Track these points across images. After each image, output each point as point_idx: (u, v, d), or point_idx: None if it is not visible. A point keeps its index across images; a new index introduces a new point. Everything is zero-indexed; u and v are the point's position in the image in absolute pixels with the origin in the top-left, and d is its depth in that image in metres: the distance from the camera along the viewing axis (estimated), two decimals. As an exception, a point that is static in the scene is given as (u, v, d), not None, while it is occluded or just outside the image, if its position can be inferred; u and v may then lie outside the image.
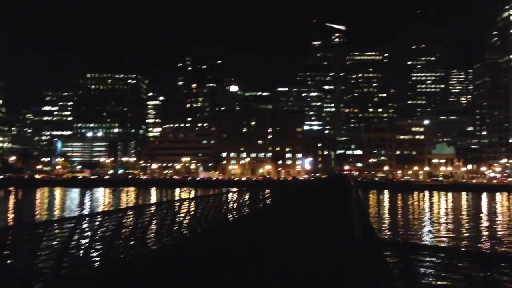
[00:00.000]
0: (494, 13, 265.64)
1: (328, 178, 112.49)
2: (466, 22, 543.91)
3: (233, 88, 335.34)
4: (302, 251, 11.09)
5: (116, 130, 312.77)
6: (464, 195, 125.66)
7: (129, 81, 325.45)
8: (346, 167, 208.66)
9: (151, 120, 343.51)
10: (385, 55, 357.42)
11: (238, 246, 13.49)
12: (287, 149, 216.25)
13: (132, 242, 13.56)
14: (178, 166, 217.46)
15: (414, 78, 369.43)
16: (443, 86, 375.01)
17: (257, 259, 10.72)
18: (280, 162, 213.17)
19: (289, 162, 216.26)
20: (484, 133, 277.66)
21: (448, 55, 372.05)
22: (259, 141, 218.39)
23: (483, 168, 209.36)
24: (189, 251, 13.65)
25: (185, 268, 10.92)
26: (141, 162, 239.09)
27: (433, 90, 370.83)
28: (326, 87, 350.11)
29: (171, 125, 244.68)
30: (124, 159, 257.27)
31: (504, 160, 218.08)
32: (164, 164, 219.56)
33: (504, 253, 37.63)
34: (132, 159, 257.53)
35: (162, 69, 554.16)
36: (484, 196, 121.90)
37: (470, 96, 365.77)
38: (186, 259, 12.19)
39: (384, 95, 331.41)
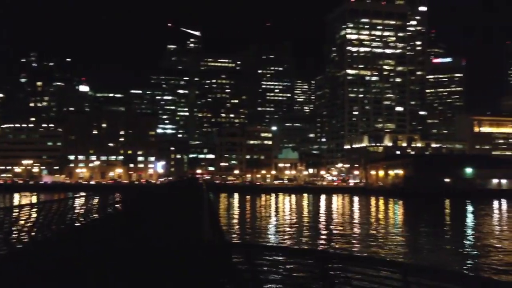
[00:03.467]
0: (333, 31, 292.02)
1: (181, 181, 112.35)
2: (311, 36, 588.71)
3: (83, 88, 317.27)
4: (149, 256, 11.09)
5: None
6: (305, 197, 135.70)
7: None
8: (199, 171, 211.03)
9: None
10: (238, 63, 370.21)
11: (82, 254, 12.94)
12: (139, 152, 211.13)
13: None
14: (18, 170, 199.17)
15: (263, 86, 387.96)
16: (289, 95, 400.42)
17: (98, 269, 10.39)
18: (132, 165, 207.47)
19: (141, 165, 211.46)
20: (323, 139, 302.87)
21: (295, 66, 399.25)
22: (110, 144, 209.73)
23: (323, 172, 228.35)
24: (26, 261, 12.73)
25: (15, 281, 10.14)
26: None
27: (280, 98, 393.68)
28: (181, 91, 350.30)
29: (12, 125, 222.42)
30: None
31: (339, 165, 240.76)
32: (2, 167, 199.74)
33: (339, 250, 41.64)
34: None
35: (3, 63, 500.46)
36: (323, 197, 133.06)
37: (312, 105, 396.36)
38: (20, 270, 11.36)
39: (236, 101, 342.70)
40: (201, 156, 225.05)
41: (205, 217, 16.47)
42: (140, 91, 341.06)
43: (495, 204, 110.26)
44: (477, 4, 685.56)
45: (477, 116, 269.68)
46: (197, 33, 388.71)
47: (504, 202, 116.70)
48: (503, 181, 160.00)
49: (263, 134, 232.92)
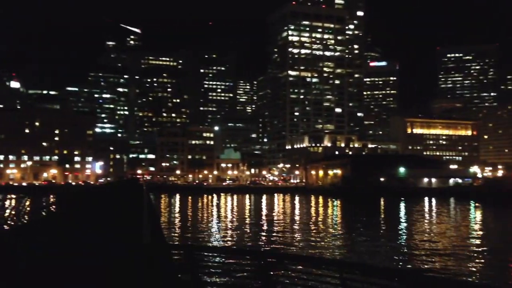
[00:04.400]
0: (275, 32, 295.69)
1: (120, 182, 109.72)
2: (254, 37, 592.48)
3: (14, 84, 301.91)
4: (86, 260, 10.82)
5: None
6: (247, 197, 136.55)
7: None
8: (139, 171, 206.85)
9: None
10: (180, 61, 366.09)
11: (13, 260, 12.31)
12: (76, 152, 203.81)
13: None
14: None
15: (206, 86, 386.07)
16: (231, 95, 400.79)
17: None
18: (67, 166, 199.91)
19: (78, 166, 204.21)
20: (265, 140, 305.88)
21: (237, 66, 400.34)
22: (44, 143, 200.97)
23: (264, 172, 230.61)
24: None
25: None
26: None
27: (222, 98, 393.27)
28: (120, 89, 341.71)
29: None
30: None
31: (281, 165, 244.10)
32: None
33: (280, 249, 42.34)
34: None
35: None
36: (265, 197, 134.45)
37: (254, 106, 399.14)
38: None
39: (178, 100, 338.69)
40: (142, 156, 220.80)
41: (145, 218, 16.30)
42: (76, 89, 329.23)
43: (426, 202, 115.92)
44: (411, 11, 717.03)
45: (410, 118, 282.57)
46: (137, 30, 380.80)
47: (433, 200, 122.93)
48: (433, 180, 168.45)
49: (205, 134, 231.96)
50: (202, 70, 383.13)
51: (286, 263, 9.18)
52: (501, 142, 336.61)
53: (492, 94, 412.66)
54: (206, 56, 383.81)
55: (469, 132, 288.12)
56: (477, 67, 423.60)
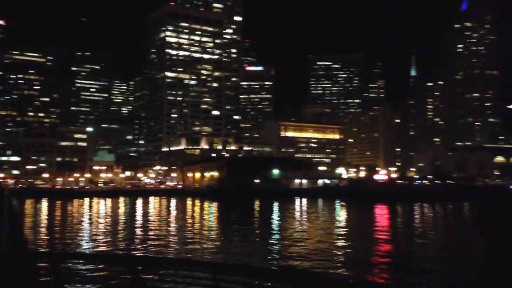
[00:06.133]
0: (153, 32, 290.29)
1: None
2: (131, 36, 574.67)
3: None
4: None
5: None
6: (122, 200, 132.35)
7: None
8: (1, 175, 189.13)
9: None
10: (49, 58, 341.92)
11: None
12: None
13: None
14: None
15: (78, 85, 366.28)
16: (106, 95, 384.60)
17: None
18: None
19: None
20: (141, 141, 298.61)
21: (113, 66, 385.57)
22: None
23: (140, 175, 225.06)
24: None
25: None
26: None
27: (96, 98, 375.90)
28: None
29: None
30: None
31: (157, 167, 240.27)
32: None
33: (155, 253, 42.05)
34: None
35: None
36: (139, 200, 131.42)
37: (130, 107, 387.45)
38: None
39: (47, 99, 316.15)
40: (4, 158, 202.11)
41: (5, 225, 15.37)
42: None
43: (297, 202, 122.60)
44: (288, 19, 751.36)
45: (284, 122, 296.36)
46: (0, 22, 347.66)
47: (304, 200, 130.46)
48: (304, 181, 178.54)
49: (76, 135, 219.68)
50: (74, 68, 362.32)
51: (159, 267, 9.08)
52: (364, 145, 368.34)
53: (356, 100, 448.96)
54: (79, 54, 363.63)
55: (336, 136, 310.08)
56: (344, 75, 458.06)
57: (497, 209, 56.74)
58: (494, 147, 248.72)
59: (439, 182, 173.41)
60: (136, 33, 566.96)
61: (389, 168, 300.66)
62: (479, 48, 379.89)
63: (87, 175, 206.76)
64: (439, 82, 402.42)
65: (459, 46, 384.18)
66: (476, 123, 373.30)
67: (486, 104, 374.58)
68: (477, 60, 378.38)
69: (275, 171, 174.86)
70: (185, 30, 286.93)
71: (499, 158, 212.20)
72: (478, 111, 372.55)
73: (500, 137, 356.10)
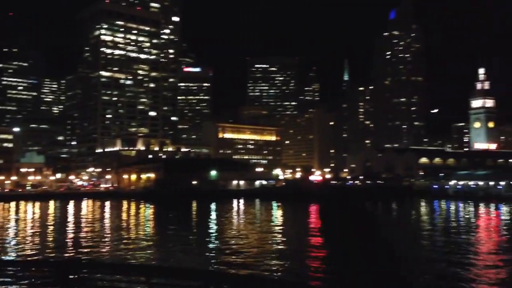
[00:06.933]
0: (86, 30, 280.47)
1: None
2: (64, 33, 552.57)
3: None
4: None
5: None
6: (52, 204, 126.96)
7: None
8: None
9: None
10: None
11: None
12: None
13: None
14: None
15: (4, 82, 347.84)
16: (35, 93, 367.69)
17: None
18: None
19: None
20: (74, 142, 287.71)
21: (43, 63, 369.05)
22: None
23: (72, 177, 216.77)
24: None
25: None
26: None
27: (24, 97, 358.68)
28: None
29: None
30: None
31: (91, 169, 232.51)
32: None
33: (86, 257, 40.78)
34: None
35: None
36: (71, 203, 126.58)
37: (62, 106, 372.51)
38: None
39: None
40: None
41: None
42: None
43: (235, 202, 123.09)
44: (228, 21, 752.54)
45: (222, 123, 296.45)
46: None
47: (241, 200, 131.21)
48: (241, 182, 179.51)
49: (2, 136, 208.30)
50: (0, 65, 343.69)
51: (90, 271, 8.87)
52: (300, 147, 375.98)
53: (292, 103, 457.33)
54: (5, 50, 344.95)
55: (273, 138, 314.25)
56: (281, 78, 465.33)
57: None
58: (419, 149, 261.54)
59: (369, 182, 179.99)
60: (68, 30, 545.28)
61: (324, 169, 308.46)
62: (406, 55, 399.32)
63: (14, 178, 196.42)
64: (369, 87, 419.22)
65: (387, 53, 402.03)
66: (403, 126, 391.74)
67: (412, 108, 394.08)
68: (404, 66, 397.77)
69: (213, 173, 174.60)
70: (121, 29, 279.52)
71: (424, 160, 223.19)
72: (405, 115, 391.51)
73: (424, 140, 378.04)
